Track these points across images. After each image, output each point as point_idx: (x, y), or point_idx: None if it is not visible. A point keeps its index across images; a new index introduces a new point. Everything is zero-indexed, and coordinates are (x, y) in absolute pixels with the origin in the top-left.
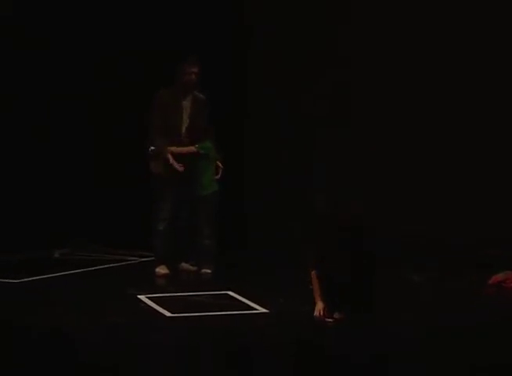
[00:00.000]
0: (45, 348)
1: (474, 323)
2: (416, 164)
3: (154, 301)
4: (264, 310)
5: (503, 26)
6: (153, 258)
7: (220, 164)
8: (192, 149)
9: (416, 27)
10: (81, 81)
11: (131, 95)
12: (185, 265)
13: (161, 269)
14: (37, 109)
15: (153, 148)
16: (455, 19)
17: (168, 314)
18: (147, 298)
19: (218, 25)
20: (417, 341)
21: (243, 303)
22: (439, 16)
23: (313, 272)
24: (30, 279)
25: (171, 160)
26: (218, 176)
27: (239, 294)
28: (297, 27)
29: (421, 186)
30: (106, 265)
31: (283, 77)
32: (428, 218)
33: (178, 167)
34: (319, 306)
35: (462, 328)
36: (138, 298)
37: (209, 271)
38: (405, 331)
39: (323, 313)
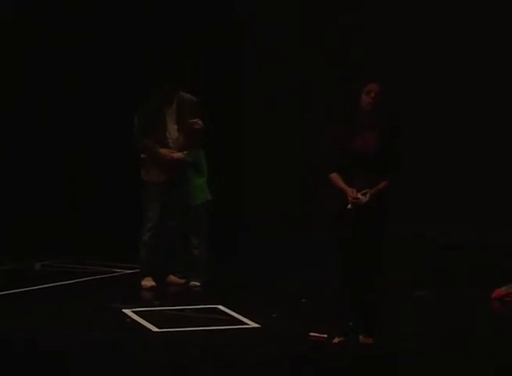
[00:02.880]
0: (25, 365)
1: (476, 337)
2: (423, 165)
3: (140, 316)
4: (255, 325)
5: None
6: (138, 270)
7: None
8: (179, 155)
9: (417, 26)
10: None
11: (121, 97)
12: (172, 278)
13: (147, 282)
14: (23, 117)
15: (143, 155)
16: (457, 19)
17: (155, 329)
18: (133, 312)
19: (213, 22)
20: (416, 354)
21: (234, 318)
22: (438, 15)
23: (332, 175)
24: (10, 292)
25: (164, 151)
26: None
27: (229, 309)
28: (296, 27)
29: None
30: (89, 278)
31: (282, 76)
32: (427, 222)
33: (175, 155)
34: (350, 191)
35: (464, 341)
36: (124, 313)
37: (197, 284)
38: (405, 345)
39: (356, 194)
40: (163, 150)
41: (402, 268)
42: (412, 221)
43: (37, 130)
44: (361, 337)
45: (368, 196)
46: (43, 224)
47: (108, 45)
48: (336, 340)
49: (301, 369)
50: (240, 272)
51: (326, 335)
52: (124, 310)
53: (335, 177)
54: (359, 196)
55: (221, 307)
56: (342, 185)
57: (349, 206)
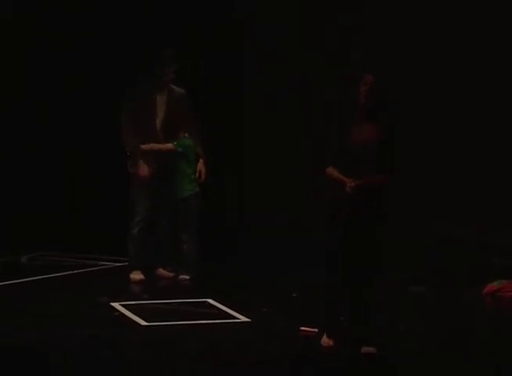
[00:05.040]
0: (9, 364)
1: (476, 337)
2: (423, 165)
3: (129, 310)
4: (245, 319)
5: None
6: (127, 263)
7: (203, 165)
8: (169, 146)
9: (418, 26)
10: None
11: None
12: (161, 271)
13: (136, 275)
14: (23, 117)
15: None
16: (458, 19)
17: (144, 323)
18: (121, 305)
19: (213, 22)
20: (416, 354)
21: (224, 312)
22: (439, 15)
23: (328, 169)
24: None
25: (152, 145)
26: (200, 178)
27: (219, 302)
28: (296, 27)
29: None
30: (76, 271)
31: (282, 76)
32: (427, 222)
33: (164, 147)
34: (348, 181)
35: (464, 341)
36: (112, 306)
37: (187, 277)
38: (405, 345)
39: (353, 183)
40: (151, 145)
41: (401, 268)
42: (412, 221)
43: (37, 130)
44: (363, 348)
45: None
46: (43, 224)
47: (108, 45)
48: (325, 341)
49: (301, 369)
50: (240, 272)
51: (316, 330)
52: (112, 304)
53: (330, 170)
54: (356, 182)
55: (210, 301)
56: (338, 176)
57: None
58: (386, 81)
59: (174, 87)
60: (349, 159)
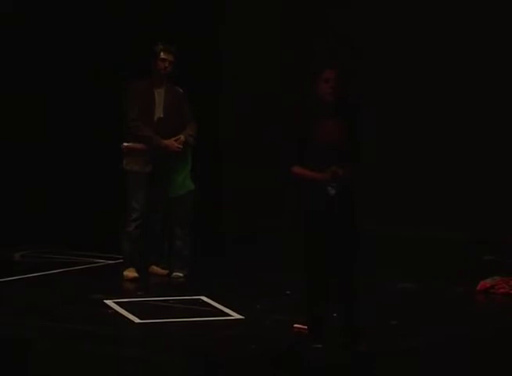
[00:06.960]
0: (2, 360)
1: (466, 332)
2: (423, 164)
3: (122, 307)
4: (239, 316)
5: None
6: (121, 261)
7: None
8: (180, 143)
9: (417, 26)
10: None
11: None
12: (155, 268)
13: (130, 272)
14: (23, 117)
15: (125, 144)
16: (458, 19)
17: (137, 320)
18: (114, 303)
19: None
20: (416, 354)
21: (217, 309)
22: (438, 15)
23: (295, 168)
24: None
25: (167, 142)
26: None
27: (212, 300)
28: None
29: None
30: (70, 268)
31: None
32: (420, 220)
33: (177, 148)
34: (323, 175)
35: (464, 341)
36: (105, 303)
37: (180, 274)
38: (405, 345)
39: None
40: (167, 141)
41: (398, 266)
42: (409, 221)
43: (36, 130)
44: (354, 346)
45: (341, 171)
46: (22, 212)
47: (108, 44)
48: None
49: (299, 368)
50: (239, 272)
51: (304, 327)
52: (105, 301)
53: (298, 169)
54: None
55: (204, 298)
56: (310, 173)
57: (330, 190)
58: (346, 74)
59: (173, 85)
60: (318, 157)
